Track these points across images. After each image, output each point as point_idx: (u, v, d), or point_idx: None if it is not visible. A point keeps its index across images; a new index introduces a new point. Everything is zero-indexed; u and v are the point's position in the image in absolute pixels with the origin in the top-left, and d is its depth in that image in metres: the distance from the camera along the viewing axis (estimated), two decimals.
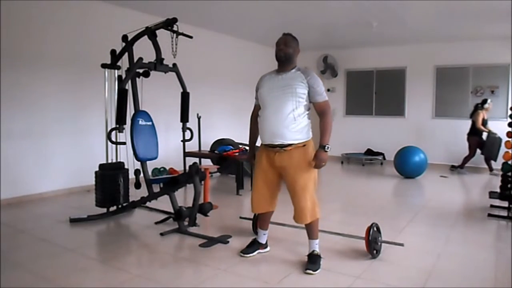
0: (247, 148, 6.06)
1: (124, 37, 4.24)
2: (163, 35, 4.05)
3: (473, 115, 7.45)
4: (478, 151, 7.45)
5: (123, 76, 4.09)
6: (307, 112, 2.87)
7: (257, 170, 3.05)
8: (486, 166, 7.49)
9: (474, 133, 7.45)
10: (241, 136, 6.57)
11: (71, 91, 5.40)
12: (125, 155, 4.39)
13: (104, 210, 4.25)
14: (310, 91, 2.83)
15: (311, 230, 2.97)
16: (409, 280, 2.71)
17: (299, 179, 2.83)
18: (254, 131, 3.18)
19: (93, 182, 4.28)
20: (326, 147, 2.80)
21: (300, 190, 2.83)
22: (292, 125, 2.79)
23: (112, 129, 3.88)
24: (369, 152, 9.03)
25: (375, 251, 3.07)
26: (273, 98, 2.85)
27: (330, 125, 2.86)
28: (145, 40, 4.04)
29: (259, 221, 3.23)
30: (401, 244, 3.21)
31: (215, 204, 4.54)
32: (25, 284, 2.64)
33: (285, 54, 2.87)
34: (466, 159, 7.57)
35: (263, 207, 3.06)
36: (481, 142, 7.37)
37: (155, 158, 4.08)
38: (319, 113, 2.89)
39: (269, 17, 6.57)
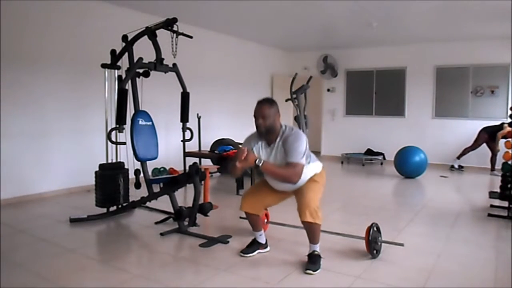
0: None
1: (124, 37, 4.24)
2: (163, 35, 4.05)
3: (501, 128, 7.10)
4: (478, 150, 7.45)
5: (123, 76, 4.09)
6: (308, 161, 2.90)
7: (264, 182, 3.11)
8: (486, 166, 7.52)
9: (489, 131, 7.32)
10: (241, 136, 6.56)
11: (71, 91, 5.40)
12: (125, 155, 4.39)
13: (104, 210, 4.25)
14: (285, 153, 2.80)
15: (312, 235, 2.93)
16: (409, 280, 2.71)
17: (305, 187, 2.90)
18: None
19: (93, 182, 4.28)
20: (259, 162, 2.70)
21: (305, 188, 2.88)
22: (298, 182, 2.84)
23: (112, 129, 3.88)
24: (369, 152, 9.03)
25: (375, 251, 3.07)
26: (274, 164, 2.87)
27: (283, 175, 2.76)
28: (145, 40, 4.04)
29: (250, 223, 3.22)
30: (401, 244, 3.22)
31: (215, 204, 4.54)
32: (25, 284, 2.64)
33: (266, 128, 2.84)
34: (467, 150, 7.57)
35: (250, 207, 3.07)
36: (490, 141, 7.32)
37: (155, 158, 4.08)
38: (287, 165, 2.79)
39: (270, 17, 6.57)
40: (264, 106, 2.84)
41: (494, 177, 6.84)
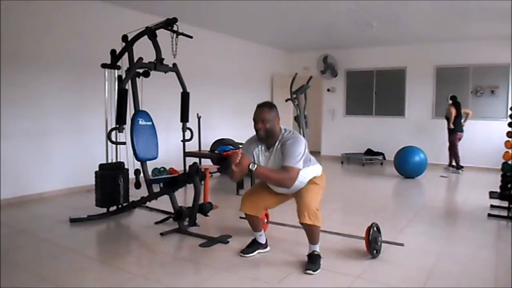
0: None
1: (124, 37, 4.24)
2: (163, 35, 4.05)
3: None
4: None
5: (123, 76, 4.09)
6: (308, 164, 2.90)
7: (263, 183, 3.11)
8: (486, 166, 7.56)
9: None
10: (241, 136, 6.56)
11: (71, 91, 5.40)
12: (125, 155, 4.39)
13: (104, 210, 4.25)
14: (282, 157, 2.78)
15: (312, 236, 2.93)
16: (409, 280, 2.71)
17: (305, 188, 2.91)
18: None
19: (93, 182, 4.28)
20: (253, 166, 2.68)
21: (305, 190, 2.88)
22: (298, 183, 2.84)
23: (112, 129, 3.88)
24: (369, 152, 9.03)
25: (375, 251, 3.07)
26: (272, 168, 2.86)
27: (277, 178, 2.75)
28: (145, 40, 4.04)
29: (249, 224, 3.22)
30: (401, 244, 3.22)
31: (215, 204, 4.53)
32: (25, 284, 2.64)
33: (266, 132, 2.83)
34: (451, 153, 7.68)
35: (250, 208, 3.07)
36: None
37: (155, 158, 4.08)
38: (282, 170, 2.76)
39: (269, 17, 6.57)
40: (264, 110, 2.82)
41: (494, 177, 6.83)
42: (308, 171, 2.92)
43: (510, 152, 4.34)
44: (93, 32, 5.57)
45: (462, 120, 7.54)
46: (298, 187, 2.89)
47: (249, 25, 7.33)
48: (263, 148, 2.93)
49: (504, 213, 4.34)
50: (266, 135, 2.83)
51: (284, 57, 9.97)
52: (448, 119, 7.55)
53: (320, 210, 2.84)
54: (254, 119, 2.84)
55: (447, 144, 7.69)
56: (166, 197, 3.95)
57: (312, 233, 2.90)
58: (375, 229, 3.11)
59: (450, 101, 7.57)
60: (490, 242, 3.67)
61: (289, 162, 2.72)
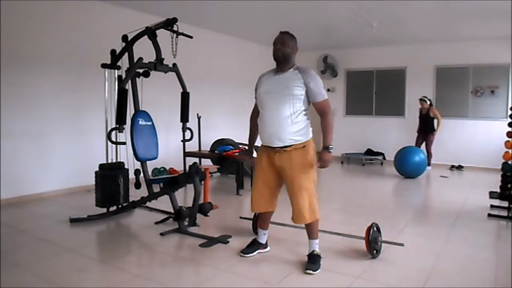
0: (247, 147, 6.09)
1: (124, 37, 4.24)
2: (163, 35, 4.05)
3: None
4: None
5: (123, 76, 4.09)
6: (306, 113, 2.86)
7: (257, 169, 3.05)
8: (486, 166, 7.55)
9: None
10: (241, 136, 6.56)
11: (71, 91, 5.40)
12: (125, 155, 4.39)
13: (104, 210, 4.25)
14: (308, 91, 2.79)
15: (311, 230, 2.97)
16: (409, 280, 2.71)
17: (297, 179, 2.82)
18: (253, 130, 3.19)
19: (93, 182, 4.28)
20: (329, 148, 2.79)
21: (298, 190, 2.82)
22: (290, 128, 2.78)
23: (112, 129, 3.88)
24: (369, 152, 9.04)
25: (375, 251, 3.07)
26: (271, 101, 2.84)
27: (331, 125, 2.84)
28: (145, 40, 4.04)
29: (259, 221, 3.23)
30: (401, 244, 3.21)
31: (215, 204, 4.54)
32: (25, 284, 2.64)
33: (283, 54, 2.84)
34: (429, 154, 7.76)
35: (262, 206, 3.06)
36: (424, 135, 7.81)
37: (155, 158, 4.08)
38: (319, 113, 2.87)
39: (269, 17, 6.57)
40: (286, 35, 2.89)
41: (494, 177, 6.83)
42: (305, 124, 2.84)
43: (510, 152, 4.34)
44: (93, 32, 5.57)
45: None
46: (289, 134, 2.79)
47: (249, 25, 7.32)
48: (270, 75, 2.94)
49: (504, 213, 4.34)
50: (282, 56, 2.84)
51: None
52: (438, 119, 7.64)
53: (317, 204, 2.86)
54: (274, 42, 2.88)
55: (425, 144, 7.75)
56: (166, 197, 3.95)
57: (312, 227, 2.94)
58: (375, 229, 3.11)
59: (429, 102, 7.67)
60: (490, 242, 3.67)
61: (323, 95, 2.83)
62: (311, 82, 2.78)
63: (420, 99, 7.80)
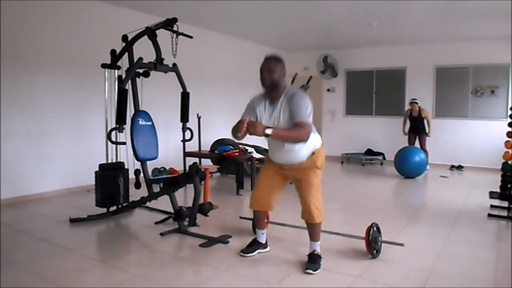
0: (247, 148, 6.10)
1: (124, 37, 4.24)
2: (163, 35, 4.05)
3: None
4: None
5: (123, 76, 4.09)
6: (312, 131, 2.84)
7: (264, 169, 3.08)
8: (486, 166, 7.55)
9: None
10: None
11: (71, 91, 5.40)
12: (125, 155, 4.39)
13: (104, 210, 4.25)
14: (290, 113, 2.73)
15: (314, 232, 2.96)
16: (409, 280, 2.71)
17: (306, 177, 2.87)
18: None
19: (93, 182, 4.28)
20: (268, 129, 2.62)
21: (307, 187, 2.85)
22: (298, 153, 2.81)
23: (112, 129, 3.88)
24: (369, 152, 9.03)
25: (375, 251, 3.07)
26: None
27: (294, 136, 2.70)
28: (145, 40, 4.04)
29: (255, 221, 3.23)
30: (401, 244, 3.21)
31: (215, 204, 4.54)
32: (25, 284, 2.64)
33: (271, 81, 2.78)
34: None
35: (261, 204, 3.07)
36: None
37: (155, 158, 4.08)
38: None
39: (269, 17, 6.57)
40: (271, 60, 2.81)
41: (494, 177, 6.83)
42: (311, 138, 2.83)
43: (510, 152, 4.34)
44: (93, 32, 5.57)
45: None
46: (301, 157, 2.81)
47: (249, 25, 7.32)
48: (266, 104, 2.88)
49: (504, 213, 4.34)
50: (271, 85, 2.78)
51: (284, 57, 9.76)
52: (428, 121, 7.68)
53: (321, 205, 2.87)
54: (260, 69, 2.82)
55: (420, 143, 7.75)
56: (166, 197, 3.95)
57: (315, 229, 2.95)
58: (375, 229, 3.11)
59: (418, 102, 7.70)
60: (490, 242, 3.67)
61: (302, 117, 2.68)
62: (293, 106, 2.71)
63: (412, 102, 7.79)
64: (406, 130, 7.92)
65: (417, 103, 7.74)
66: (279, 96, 2.80)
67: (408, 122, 7.89)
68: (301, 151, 2.81)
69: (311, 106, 2.76)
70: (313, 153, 2.87)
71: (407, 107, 8.79)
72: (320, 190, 2.91)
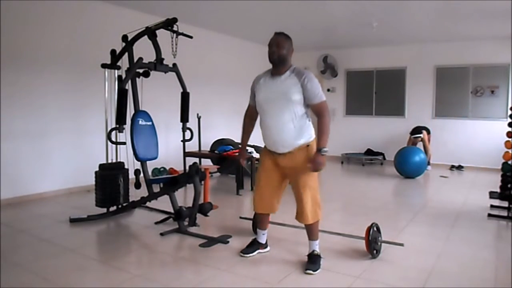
0: (247, 148, 6.09)
1: (124, 37, 4.24)
2: (163, 35, 4.05)
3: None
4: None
5: (123, 76, 4.09)
6: (307, 115, 2.85)
7: (260, 170, 3.06)
8: (486, 166, 7.58)
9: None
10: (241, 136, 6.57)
11: (71, 91, 5.40)
12: (125, 155, 4.39)
13: (104, 210, 4.25)
14: (305, 93, 2.76)
15: (311, 231, 2.97)
16: (409, 280, 2.71)
17: (302, 177, 2.84)
18: (247, 131, 3.21)
19: (93, 182, 4.28)
20: (323, 150, 2.71)
21: (302, 188, 2.84)
22: (293, 133, 2.79)
23: (112, 129, 3.88)
24: (369, 152, 9.03)
25: (375, 251, 3.07)
26: (270, 106, 2.83)
27: (327, 127, 2.78)
28: (145, 40, 4.04)
29: (258, 222, 3.23)
30: (401, 244, 3.21)
31: (215, 204, 4.54)
32: (25, 284, 2.64)
33: (278, 56, 2.80)
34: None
35: (265, 207, 3.06)
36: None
37: (155, 158, 4.08)
38: (316, 114, 2.84)
39: (269, 17, 6.56)
40: (281, 37, 2.86)
41: (494, 177, 6.83)
42: (306, 125, 2.84)
43: (510, 152, 4.34)
44: (93, 32, 5.57)
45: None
46: (293, 137, 2.79)
47: (249, 25, 7.32)
48: (267, 78, 2.90)
49: (504, 213, 4.34)
50: (278, 59, 2.80)
51: None
52: (426, 147, 7.75)
53: (319, 204, 2.88)
54: (269, 44, 2.85)
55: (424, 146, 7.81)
56: (166, 197, 3.95)
57: (312, 229, 2.95)
58: (375, 229, 3.11)
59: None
60: (490, 242, 3.67)
61: (320, 97, 2.80)
62: (308, 84, 2.76)
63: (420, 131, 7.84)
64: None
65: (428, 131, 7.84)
66: (284, 71, 2.83)
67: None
68: (292, 133, 2.78)
69: None
70: (308, 145, 2.84)
71: (407, 107, 8.82)
72: (317, 190, 2.90)
